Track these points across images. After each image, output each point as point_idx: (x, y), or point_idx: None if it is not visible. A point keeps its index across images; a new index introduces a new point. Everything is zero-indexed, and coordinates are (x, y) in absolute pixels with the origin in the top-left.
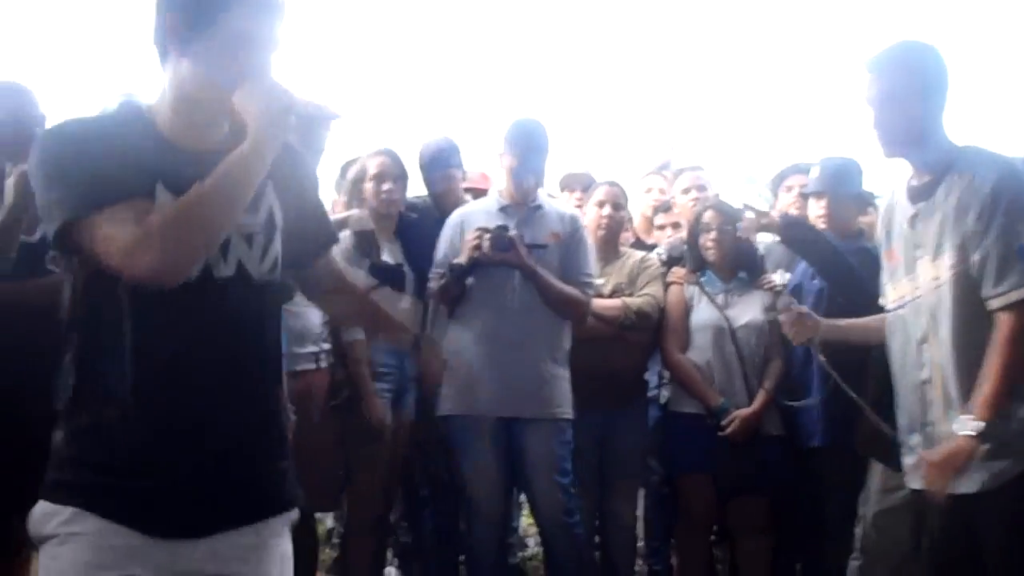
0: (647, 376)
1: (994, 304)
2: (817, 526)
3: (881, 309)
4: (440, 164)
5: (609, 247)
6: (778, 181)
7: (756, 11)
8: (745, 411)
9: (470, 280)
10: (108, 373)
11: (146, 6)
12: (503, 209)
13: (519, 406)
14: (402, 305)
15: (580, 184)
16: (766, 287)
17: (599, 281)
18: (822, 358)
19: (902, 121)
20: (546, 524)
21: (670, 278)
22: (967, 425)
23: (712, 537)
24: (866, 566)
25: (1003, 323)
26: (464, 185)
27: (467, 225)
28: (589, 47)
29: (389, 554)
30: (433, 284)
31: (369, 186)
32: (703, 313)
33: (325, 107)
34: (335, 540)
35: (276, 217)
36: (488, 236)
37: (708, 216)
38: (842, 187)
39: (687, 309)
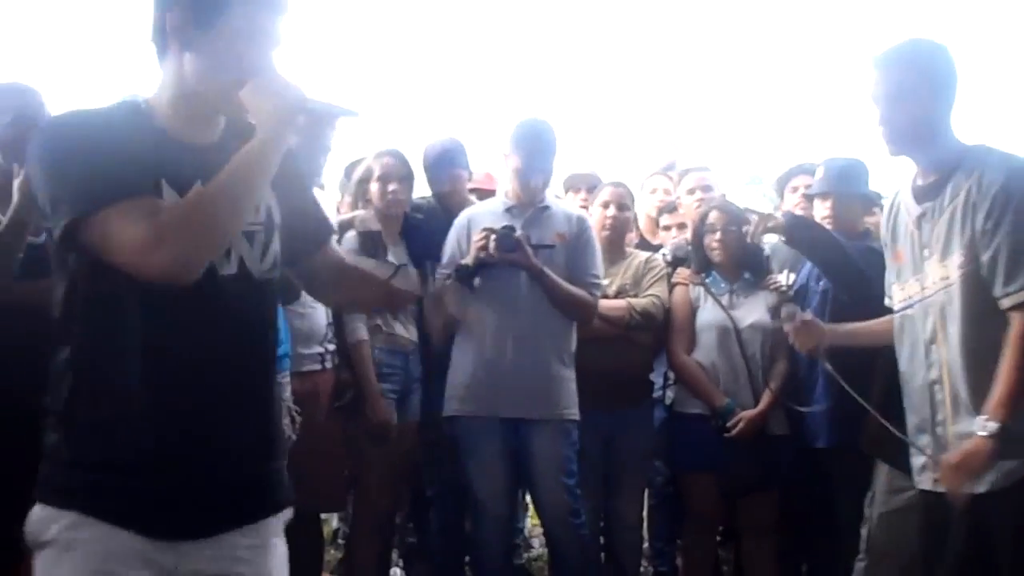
0: (652, 377)
1: (1006, 303)
2: (825, 526)
3: (887, 310)
4: (445, 165)
5: (614, 248)
6: (783, 182)
7: (761, 12)
8: (751, 412)
9: (477, 281)
10: (113, 371)
11: (143, 3)
12: (509, 210)
13: (525, 407)
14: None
15: (585, 185)
16: (771, 288)
17: (604, 282)
18: (828, 366)
19: (909, 119)
20: (551, 525)
21: (675, 279)
22: (983, 426)
23: (717, 538)
24: (871, 567)
25: (1016, 322)
26: (469, 186)
27: (474, 226)
28: (594, 48)
29: (394, 555)
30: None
31: (375, 187)
32: (708, 314)
33: (338, 105)
34: (340, 541)
35: (274, 215)
36: (494, 236)
37: (713, 217)
38: (847, 187)
39: (692, 310)
